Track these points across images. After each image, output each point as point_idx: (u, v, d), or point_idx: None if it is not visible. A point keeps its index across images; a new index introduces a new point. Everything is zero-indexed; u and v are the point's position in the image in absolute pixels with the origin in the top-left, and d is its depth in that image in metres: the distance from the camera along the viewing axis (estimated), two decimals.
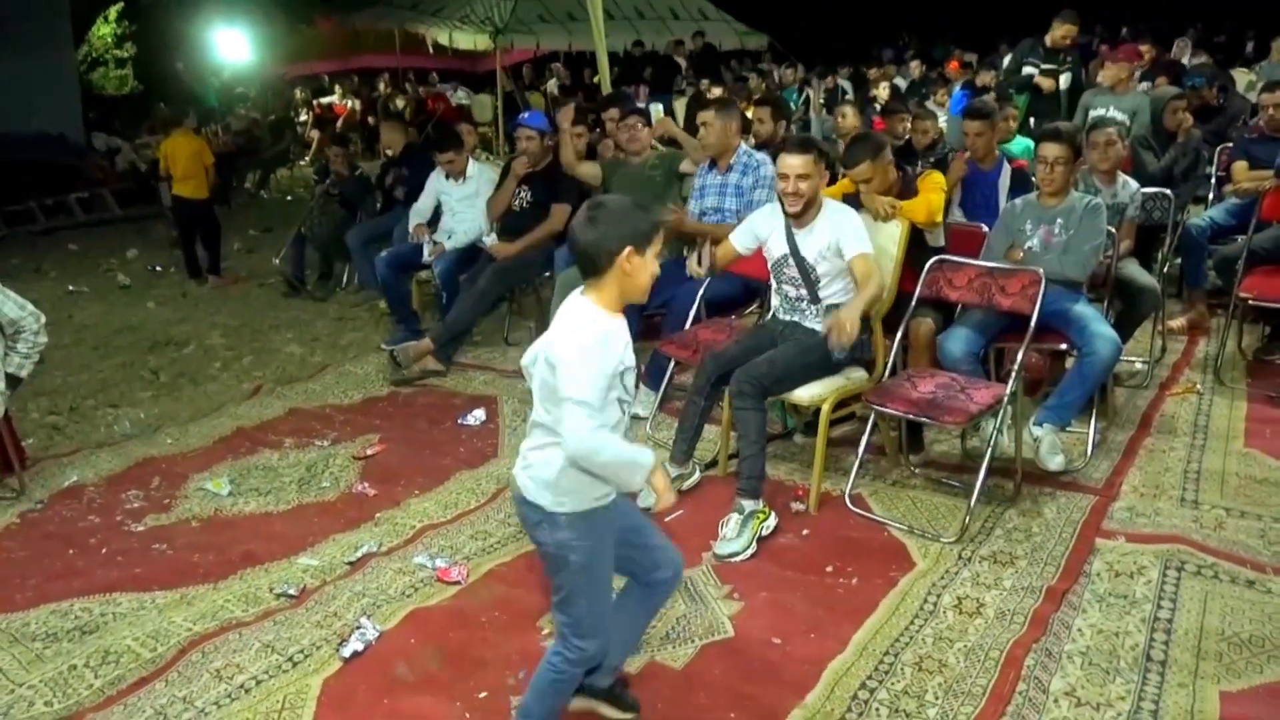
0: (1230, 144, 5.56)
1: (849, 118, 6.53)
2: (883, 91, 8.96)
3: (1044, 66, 6.40)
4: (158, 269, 7.83)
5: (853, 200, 3.64)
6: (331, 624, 2.77)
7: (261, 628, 2.77)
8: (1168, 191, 4.71)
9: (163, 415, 4.58)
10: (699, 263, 3.67)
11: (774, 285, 3.49)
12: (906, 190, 3.79)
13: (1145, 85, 6.83)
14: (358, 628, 2.71)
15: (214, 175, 7.31)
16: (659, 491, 2.09)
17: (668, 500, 2.12)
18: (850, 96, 10.07)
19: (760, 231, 3.44)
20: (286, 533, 3.34)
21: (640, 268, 1.99)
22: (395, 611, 2.82)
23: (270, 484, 3.75)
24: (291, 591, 2.94)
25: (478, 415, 4.32)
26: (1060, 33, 6.42)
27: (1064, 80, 6.40)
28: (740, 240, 3.51)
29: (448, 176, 5.45)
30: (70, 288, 7.29)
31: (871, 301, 3.22)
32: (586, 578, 2.05)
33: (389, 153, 6.64)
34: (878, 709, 2.33)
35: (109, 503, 3.65)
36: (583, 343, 1.93)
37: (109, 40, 16.07)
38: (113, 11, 15.83)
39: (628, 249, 1.96)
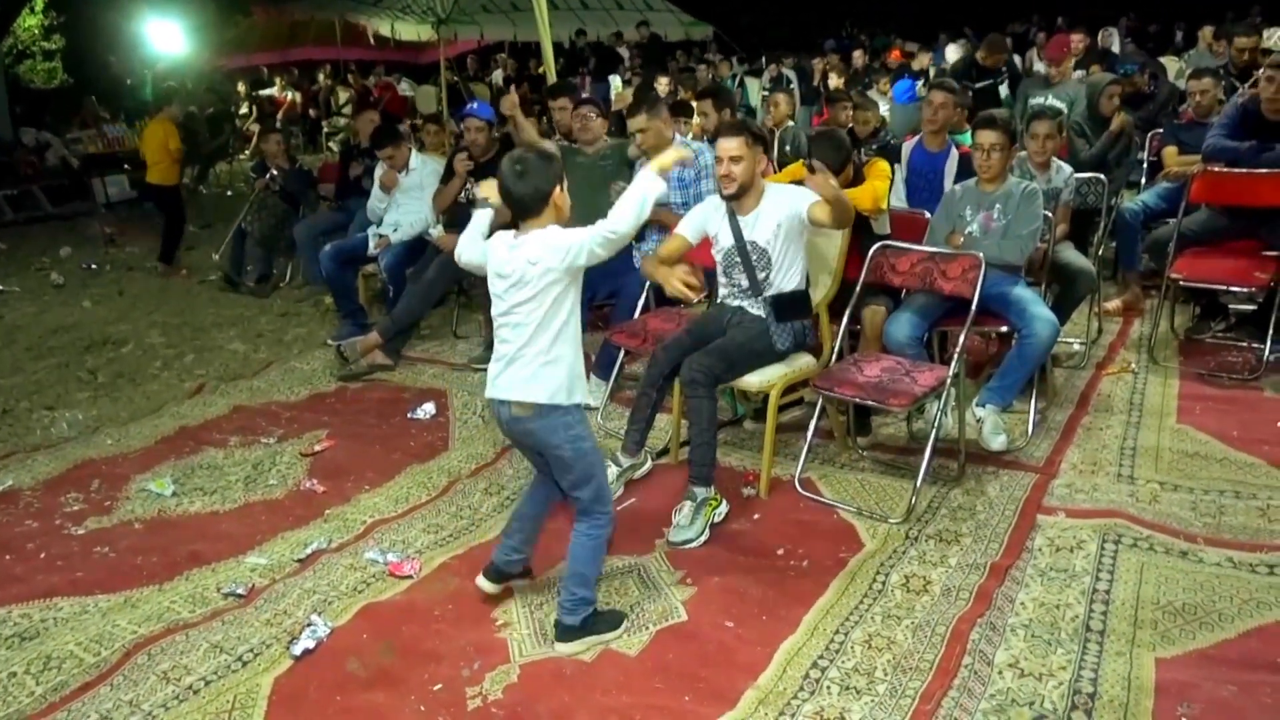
0: (1160, 130, 5.73)
1: (781, 106, 6.55)
2: (835, 79, 9.02)
3: (977, 86, 6.57)
4: (93, 267, 7.62)
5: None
6: (281, 622, 2.74)
7: (209, 628, 2.72)
8: (1101, 176, 4.83)
9: (102, 416, 4.46)
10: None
11: (720, 274, 3.51)
12: (855, 177, 3.85)
13: (1080, 73, 6.99)
14: (308, 625, 2.68)
15: (178, 159, 7.33)
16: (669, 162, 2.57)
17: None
18: (794, 86, 10.14)
19: (707, 224, 3.44)
20: (233, 532, 3.29)
21: (565, 199, 2.49)
22: (347, 607, 2.79)
23: (216, 483, 3.68)
24: (240, 591, 2.90)
25: (427, 409, 4.29)
26: (991, 60, 6.89)
27: (1004, 90, 6.62)
28: (687, 229, 3.50)
29: (390, 169, 5.38)
30: (0, 288, 7.06)
31: (847, 203, 3.17)
32: (595, 456, 2.55)
33: (358, 143, 6.48)
34: (829, 687, 2.37)
35: (47, 506, 3.56)
36: (566, 233, 2.43)
37: (36, 32, 15.54)
38: (39, 2, 15.31)
39: (556, 188, 2.44)
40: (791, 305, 3.35)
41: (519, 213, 2.47)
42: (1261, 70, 4.45)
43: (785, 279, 3.34)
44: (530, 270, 2.41)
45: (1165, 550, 2.90)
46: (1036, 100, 5.92)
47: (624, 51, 12.61)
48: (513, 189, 2.43)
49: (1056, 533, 3.03)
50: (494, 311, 2.52)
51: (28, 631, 2.75)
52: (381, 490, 3.57)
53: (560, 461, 2.52)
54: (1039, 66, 7.49)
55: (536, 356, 2.44)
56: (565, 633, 2.56)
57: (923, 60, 9.37)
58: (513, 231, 2.50)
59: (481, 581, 2.79)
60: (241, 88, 15.49)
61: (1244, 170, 4.27)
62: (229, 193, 11.17)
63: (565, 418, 2.48)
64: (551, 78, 7.13)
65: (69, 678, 2.54)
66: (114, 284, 7.07)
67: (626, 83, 10.19)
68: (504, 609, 2.75)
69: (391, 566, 2.99)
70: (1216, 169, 4.36)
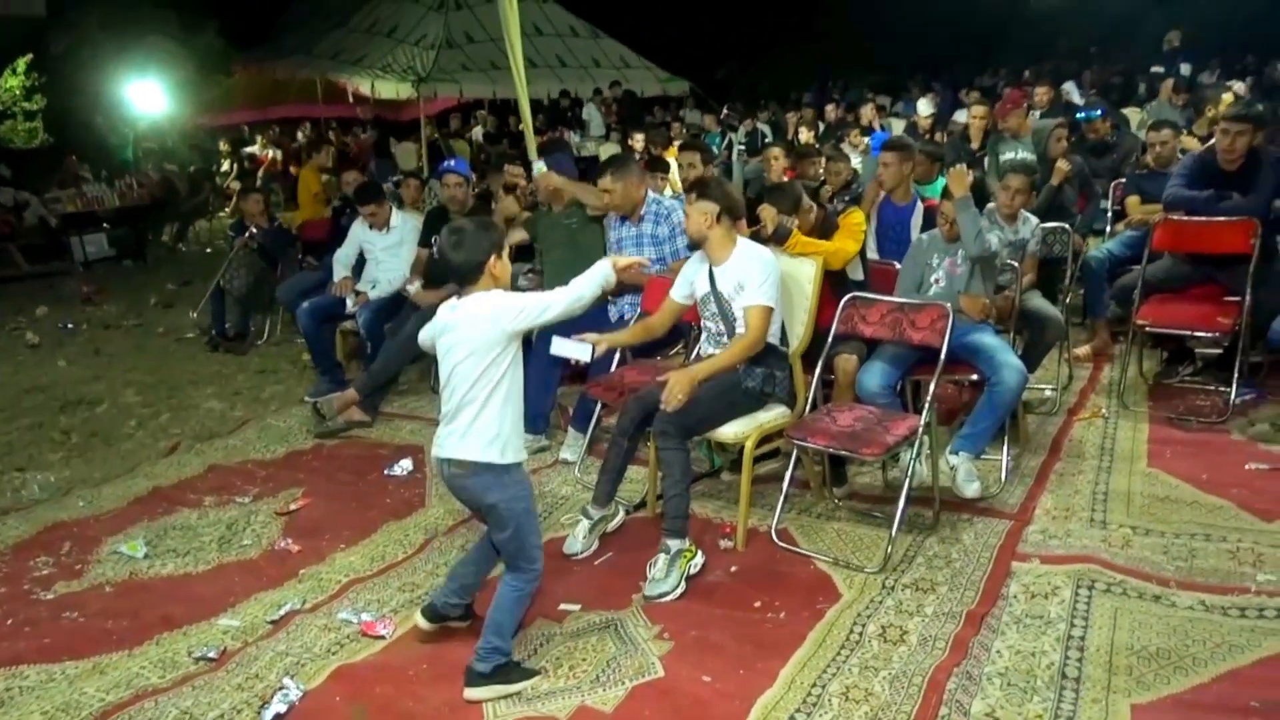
0: (1124, 179, 5.86)
1: (780, 160, 6.54)
2: (806, 134, 9.18)
3: (978, 154, 6.59)
4: (69, 326, 7.59)
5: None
6: (253, 686, 2.70)
7: (179, 694, 2.68)
8: (1066, 226, 4.93)
9: (74, 477, 4.42)
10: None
11: (701, 320, 3.59)
12: (827, 227, 3.92)
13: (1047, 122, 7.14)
14: (280, 688, 2.64)
15: (323, 202, 7.57)
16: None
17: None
18: (770, 139, 10.33)
19: (690, 275, 3.54)
20: (206, 594, 3.25)
21: (504, 268, 2.62)
22: (320, 669, 2.76)
23: (189, 544, 3.64)
24: (211, 654, 2.86)
25: (405, 465, 4.27)
26: (977, 118, 6.78)
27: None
28: (678, 292, 3.60)
29: (371, 227, 5.44)
30: None
31: (732, 360, 3.33)
32: (528, 517, 2.63)
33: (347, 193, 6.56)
34: None
35: (15, 571, 3.50)
36: (512, 296, 2.56)
37: (17, 93, 15.62)
38: (21, 63, 15.41)
39: (492, 257, 2.55)
40: (762, 351, 3.39)
41: (457, 280, 2.60)
42: (1218, 125, 4.58)
43: None
44: (468, 329, 2.52)
45: (1139, 595, 2.91)
46: (1008, 155, 6.04)
47: (598, 110, 12.80)
48: (450, 257, 2.55)
49: (1031, 579, 3.04)
50: (440, 373, 2.64)
51: None
52: (357, 548, 3.54)
53: (495, 517, 2.62)
54: (1002, 126, 7.59)
55: (471, 415, 2.53)
56: (474, 678, 2.60)
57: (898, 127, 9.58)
58: (455, 296, 2.62)
59: (418, 618, 2.86)
60: (224, 145, 15.60)
61: (1202, 218, 4.38)
62: (208, 250, 11.20)
63: (501, 477, 2.57)
64: (530, 136, 7.22)
65: None
66: (90, 343, 7.04)
67: (603, 138, 10.33)
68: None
69: (364, 626, 2.96)
70: (1176, 217, 4.47)
